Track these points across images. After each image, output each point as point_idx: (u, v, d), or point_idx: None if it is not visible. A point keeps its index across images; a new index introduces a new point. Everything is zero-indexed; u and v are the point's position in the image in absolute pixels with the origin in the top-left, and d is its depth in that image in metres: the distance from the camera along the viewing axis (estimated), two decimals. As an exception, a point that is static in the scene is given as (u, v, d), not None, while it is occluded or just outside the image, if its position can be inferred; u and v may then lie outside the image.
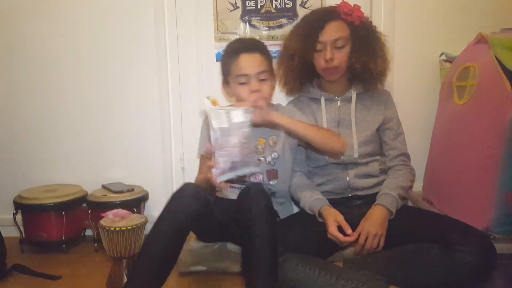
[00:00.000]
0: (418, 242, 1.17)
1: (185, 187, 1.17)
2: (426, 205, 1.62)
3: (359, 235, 1.22)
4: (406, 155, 1.44)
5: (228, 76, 1.35)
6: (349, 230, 1.21)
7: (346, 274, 1.13)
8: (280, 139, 1.40)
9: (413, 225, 1.25)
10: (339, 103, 1.42)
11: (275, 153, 1.40)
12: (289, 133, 1.33)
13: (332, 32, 1.33)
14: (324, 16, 1.36)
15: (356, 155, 1.38)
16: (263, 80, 1.30)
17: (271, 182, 1.40)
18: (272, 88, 1.37)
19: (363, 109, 1.41)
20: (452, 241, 1.11)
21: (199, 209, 1.12)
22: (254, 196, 1.14)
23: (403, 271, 1.16)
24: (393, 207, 1.27)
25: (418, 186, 1.74)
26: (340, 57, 1.34)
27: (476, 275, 1.10)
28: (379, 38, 1.38)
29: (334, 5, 1.40)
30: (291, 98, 1.56)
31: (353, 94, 1.41)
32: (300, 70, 1.41)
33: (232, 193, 1.35)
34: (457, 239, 1.11)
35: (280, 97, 1.60)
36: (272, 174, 1.40)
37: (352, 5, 1.37)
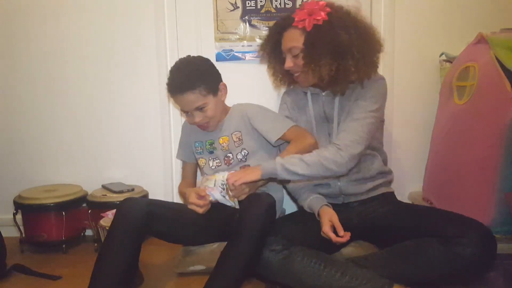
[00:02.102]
0: (417, 237, 1.17)
1: (122, 203, 1.23)
2: (426, 205, 1.62)
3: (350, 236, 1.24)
4: (340, 142, 1.26)
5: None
6: (341, 232, 1.22)
7: (351, 270, 1.14)
8: (244, 134, 1.46)
9: (412, 221, 1.25)
10: (323, 98, 1.39)
11: (245, 151, 1.46)
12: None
13: (286, 42, 1.33)
14: (282, 24, 1.36)
15: None
16: (201, 109, 1.40)
17: None
18: (216, 105, 1.43)
19: (349, 101, 1.34)
20: (451, 234, 1.10)
21: (138, 218, 1.20)
22: (260, 195, 1.22)
23: (403, 267, 1.16)
24: (266, 168, 1.27)
25: (418, 186, 1.75)
26: (299, 64, 1.31)
27: (477, 266, 1.10)
28: (345, 36, 1.24)
29: (296, 8, 1.36)
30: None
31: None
32: (282, 72, 1.42)
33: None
34: (455, 231, 1.10)
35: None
36: None
37: (320, 3, 1.29)
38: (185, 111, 1.44)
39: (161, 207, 1.29)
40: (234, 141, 1.47)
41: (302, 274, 1.15)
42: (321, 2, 1.29)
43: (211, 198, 1.34)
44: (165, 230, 1.30)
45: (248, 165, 1.46)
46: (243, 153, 1.46)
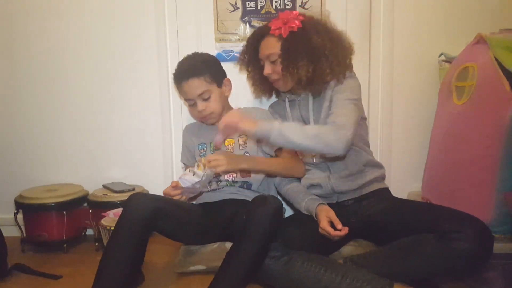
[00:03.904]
0: (414, 233, 1.17)
1: (130, 198, 1.23)
2: (422, 201, 1.62)
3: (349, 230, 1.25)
4: (334, 121, 1.27)
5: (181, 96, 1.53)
6: (339, 225, 1.23)
7: (351, 273, 1.14)
8: (251, 139, 1.48)
9: (408, 216, 1.26)
10: (299, 103, 1.45)
11: (247, 154, 1.48)
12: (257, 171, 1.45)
13: (264, 49, 1.41)
14: (259, 34, 1.44)
15: None
16: (206, 99, 1.44)
17: (244, 179, 1.48)
18: (220, 98, 1.47)
19: (320, 99, 1.40)
20: (447, 230, 1.11)
21: (147, 213, 1.19)
22: (267, 197, 1.21)
23: (402, 264, 1.17)
24: (263, 125, 1.22)
25: (417, 186, 1.75)
26: (277, 70, 1.39)
27: (474, 261, 1.10)
28: (319, 40, 1.32)
29: (272, 19, 1.43)
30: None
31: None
32: (261, 80, 1.49)
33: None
34: (452, 227, 1.11)
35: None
36: (245, 173, 1.48)
37: (294, 12, 1.37)
38: (188, 100, 1.45)
39: (167, 203, 1.28)
40: (240, 144, 1.49)
41: (303, 279, 1.16)
42: (294, 12, 1.39)
43: (181, 185, 1.31)
44: (169, 227, 1.30)
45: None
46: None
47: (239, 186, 1.48)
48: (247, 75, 1.55)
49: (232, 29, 1.76)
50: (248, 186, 1.48)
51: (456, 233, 1.09)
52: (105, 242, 1.46)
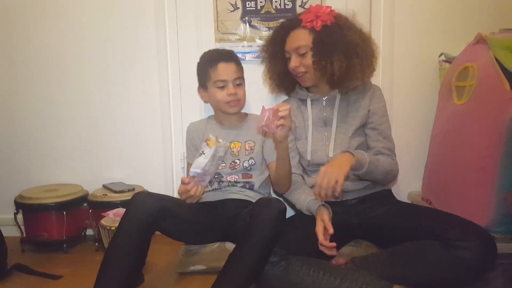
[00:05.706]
0: (418, 239, 1.17)
1: (135, 196, 1.22)
2: (425, 205, 1.62)
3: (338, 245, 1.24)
4: (390, 150, 1.40)
5: (207, 81, 1.49)
6: (331, 230, 1.22)
7: (350, 275, 1.13)
8: (257, 145, 1.48)
9: (413, 222, 1.25)
10: (324, 103, 1.44)
11: (252, 160, 1.48)
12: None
13: (293, 41, 1.38)
14: (288, 25, 1.42)
15: (331, 155, 1.39)
16: (238, 84, 1.47)
17: (246, 179, 1.48)
18: (245, 91, 1.52)
19: (348, 105, 1.42)
20: (452, 237, 1.10)
21: (151, 213, 1.19)
22: (271, 200, 1.21)
23: (404, 269, 1.16)
24: (360, 158, 1.23)
25: (417, 186, 1.75)
26: (305, 63, 1.37)
27: (477, 270, 1.10)
28: (352, 37, 1.34)
29: (301, 12, 1.44)
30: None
31: (338, 93, 1.42)
32: (281, 74, 1.47)
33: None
34: (457, 235, 1.10)
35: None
36: (247, 176, 1.49)
37: (325, 7, 1.37)
38: (221, 81, 1.44)
39: (171, 203, 1.28)
40: (246, 149, 1.49)
41: (302, 283, 1.15)
42: (325, 7, 1.37)
43: (194, 176, 1.23)
44: (172, 227, 1.30)
45: (251, 174, 1.48)
46: (250, 162, 1.47)
47: (241, 186, 1.48)
48: (268, 68, 1.51)
49: (232, 29, 1.76)
50: (250, 186, 1.48)
51: (461, 241, 1.09)
52: (105, 242, 1.46)
